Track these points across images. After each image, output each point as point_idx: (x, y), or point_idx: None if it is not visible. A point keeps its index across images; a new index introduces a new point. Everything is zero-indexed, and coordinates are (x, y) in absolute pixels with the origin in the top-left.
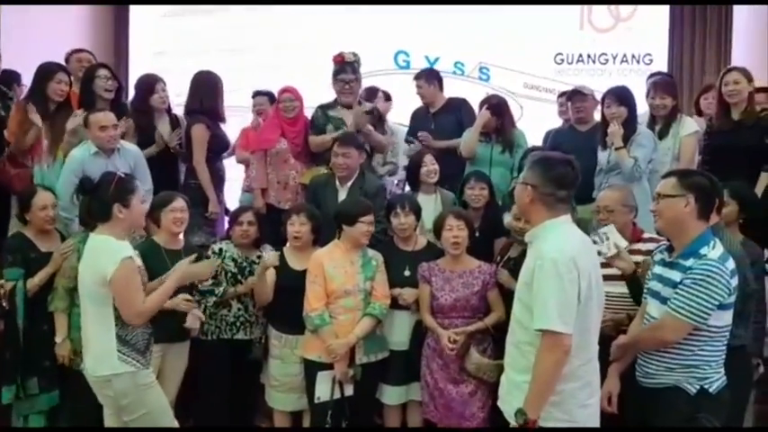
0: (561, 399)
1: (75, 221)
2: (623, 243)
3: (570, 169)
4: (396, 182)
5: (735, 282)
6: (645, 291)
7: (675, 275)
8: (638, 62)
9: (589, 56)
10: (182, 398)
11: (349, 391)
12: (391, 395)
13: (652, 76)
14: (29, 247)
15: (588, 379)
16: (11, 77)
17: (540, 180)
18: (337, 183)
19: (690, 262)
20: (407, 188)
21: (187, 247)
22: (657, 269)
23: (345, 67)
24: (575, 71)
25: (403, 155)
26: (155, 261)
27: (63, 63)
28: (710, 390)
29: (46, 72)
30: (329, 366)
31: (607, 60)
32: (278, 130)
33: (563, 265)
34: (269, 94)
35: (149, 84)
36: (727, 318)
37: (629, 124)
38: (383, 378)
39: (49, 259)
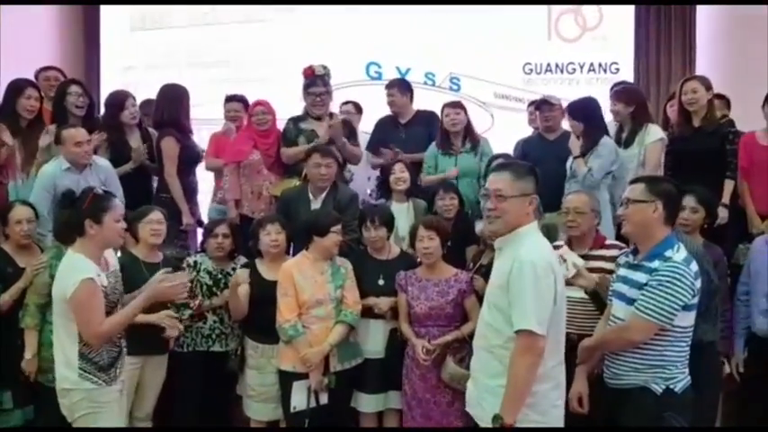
0: (536, 400)
1: (48, 236)
2: (580, 261)
3: (535, 176)
4: (369, 191)
5: (698, 283)
6: (609, 293)
7: (641, 277)
8: (605, 71)
9: (557, 65)
10: (160, 409)
11: (324, 399)
12: (368, 403)
13: (615, 85)
14: (6, 262)
15: (559, 380)
16: None
17: (513, 188)
18: (310, 194)
19: (655, 264)
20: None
21: (165, 260)
22: (622, 271)
23: (316, 80)
24: (543, 80)
25: (367, 164)
26: (133, 274)
27: (33, 79)
28: (676, 389)
29: (15, 88)
30: (304, 376)
31: (575, 69)
32: (251, 142)
33: (541, 268)
34: (242, 100)
35: (119, 100)
36: (690, 318)
37: (588, 136)
38: (359, 386)
39: None
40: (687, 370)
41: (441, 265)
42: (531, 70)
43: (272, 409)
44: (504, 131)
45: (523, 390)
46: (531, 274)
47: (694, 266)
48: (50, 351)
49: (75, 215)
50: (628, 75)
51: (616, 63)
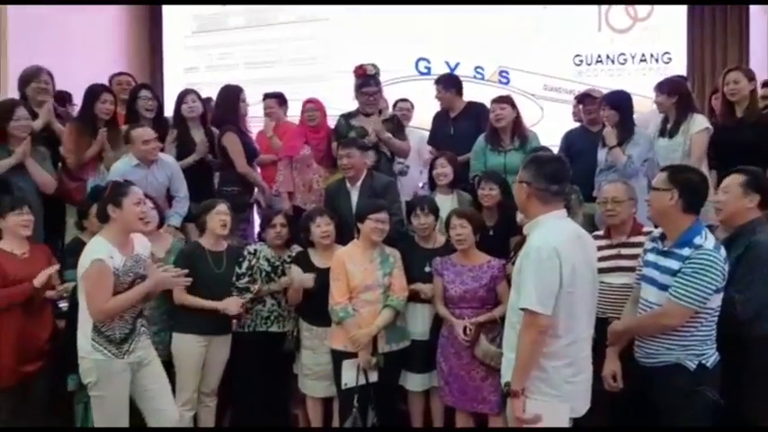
0: (548, 375)
1: None
2: None
3: (561, 165)
4: (421, 185)
5: (727, 267)
6: (638, 277)
7: (672, 263)
8: (656, 61)
9: (608, 56)
10: (224, 385)
11: (373, 377)
12: (414, 382)
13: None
14: None
15: (573, 358)
16: (63, 97)
17: (534, 177)
18: (348, 185)
19: (686, 251)
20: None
21: (229, 249)
22: (651, 257)
23: (369, 80)
24: (594, 72)
25: (419, 158)
26: (199, 262)
27: (107, 84)
28: (708, 364)
29: (93, 93)
30: (354, 355)
31: (626, 60)
32: (302, 138)
33: (545, 252)
34: (278, 96)
35: (180, 96)
36: (719, 300)
37: (623, 126)
38: (407, 366)
39: None
40: (715, 346)
41: (474, 252)
42: (582, 61)
43: (327, 386)
44: (555, 124)
45: (527, 361)
46: (535, 258)
47: (723, 252)
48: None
49: (101, 204)
50: (680, 65)
51: (668, 53)
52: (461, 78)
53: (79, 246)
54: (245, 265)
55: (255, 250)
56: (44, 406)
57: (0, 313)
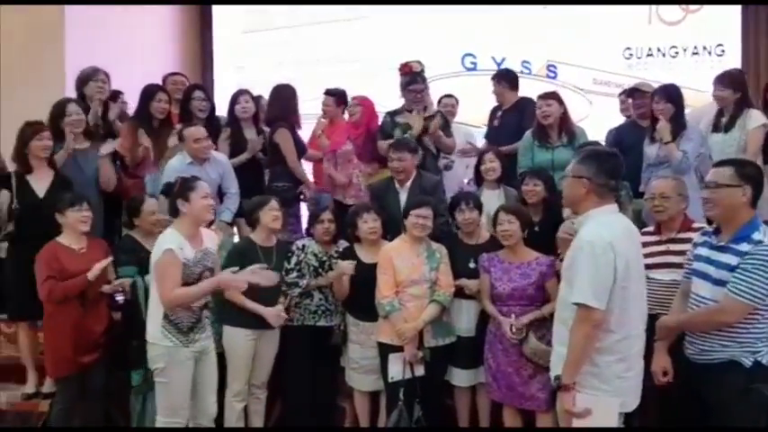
0: (600, 370)
1: None
2: None
3: (618, 160)
4: (467, 181)
5: None
6: (687, 271)
7: (730, 259)
8: (709, 54)
9: (659, 49)
10: (274, 377)
11: (420, 371)
12: (461, 378)
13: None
14: (139, 248)
15: (625, 354)
16: (114, 95)
17: (595, 172)
18: (397, 185)
19: (744, 246)
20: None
21: (279, 244)
22: (703, 251)
23: (416, 78)
24: (644, 65)
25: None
26: (251, 255)
27: (161, 84)
28: (763, 362)
29: (148, 93)
30: (400, 349)
31: (677, 53)
32: (345, 134)
33: (599, 247)
34: (336, 94)
35: (234, 97)
36: None
37: (677, 120)
38: (453, 362)
39: None
40: None
41: (522, 248)
42: (632, 55)
43: (374, 380)
44: (605, 118)
45: (579, 355)
46: (589, 252)
47: None
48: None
49: (172, 199)
50: (735, 57)
51: (721, 45)
52: None
53: (129, 243)
54: (293, 260)
55: (304, 245)
56: (100, 395)
57: (58, 306)
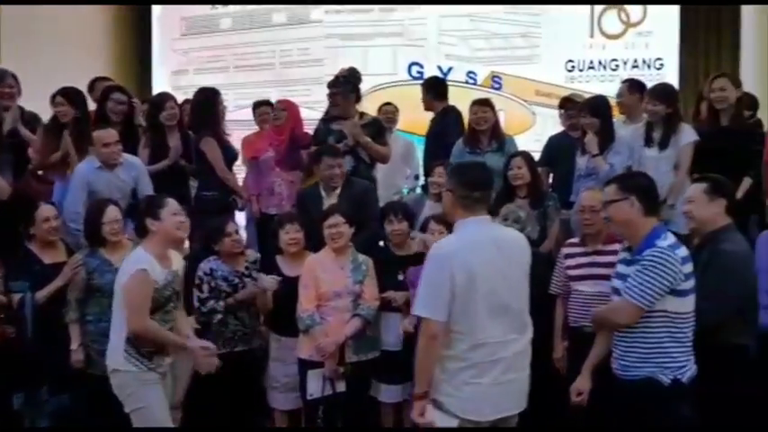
0: (448, 376)
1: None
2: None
3: (482, 172)
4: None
5: (688, 268)
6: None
7: (632, 270)
8: (649, 67)
9: (600, 62)
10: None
11: (341, 387)
12: (388, 394)
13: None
14: (33, 261)
15: (476, 361)
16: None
17: (456, 184)
18: (322, 192)
19: (646, 253)
20: None
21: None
22: (620, 267)
23: (336, 81)
24: (586, 78)
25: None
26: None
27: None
28: (683, 380)
29: (105, 94)
30: (321, 365)
31: (618, 66)
32: (267, 140)
33: (436, 260)
34: (270, 104)
35: (160, 101)
36: (687, 304)
37: (605, 133)
38: (379, 377)
39: (53, 271)
40: (693, 359)
41: None
42: (574, 67)
43: (295, 398)
44: (547, 129)
45: (422, 365)
46: (427, 265)
47: (682, 251)
48: (95, 343)
49: (139, 218)
50: (673, 71)
51: (660, 59)
52: (454, 83)
53: (27, 256)
54: (205, 288)
55: (211, 269)
56: None
57: None
